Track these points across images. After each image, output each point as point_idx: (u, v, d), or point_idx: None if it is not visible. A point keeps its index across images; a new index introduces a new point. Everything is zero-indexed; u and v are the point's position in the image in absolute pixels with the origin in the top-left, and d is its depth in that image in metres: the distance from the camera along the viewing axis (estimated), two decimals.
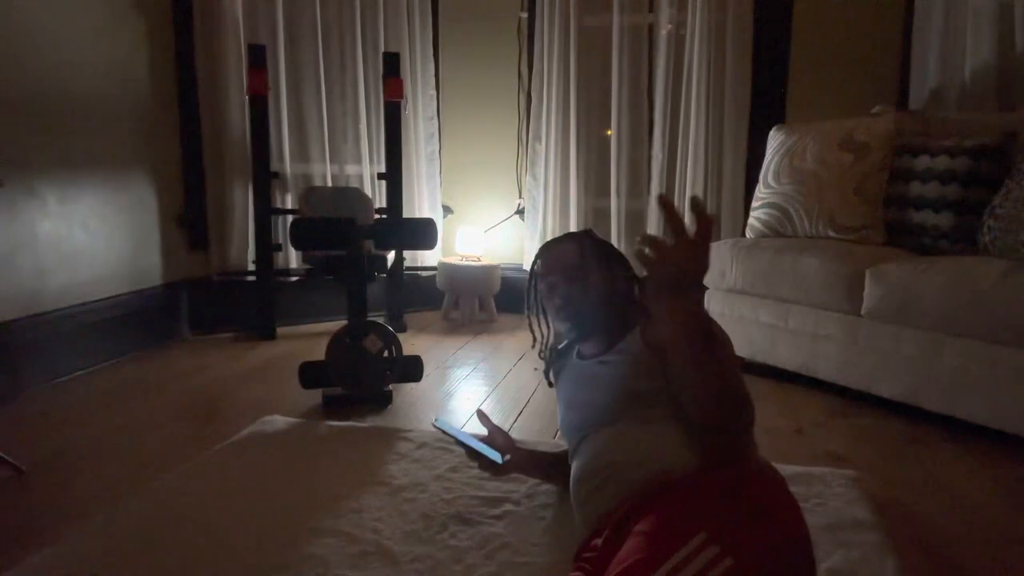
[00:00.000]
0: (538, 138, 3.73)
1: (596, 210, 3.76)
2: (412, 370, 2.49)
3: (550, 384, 1.64)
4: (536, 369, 2.71)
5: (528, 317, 1.57)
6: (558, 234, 3.61)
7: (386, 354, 2.38)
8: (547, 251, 1.52)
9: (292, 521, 1.56)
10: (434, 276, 3.87)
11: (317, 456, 1.93)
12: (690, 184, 3.47)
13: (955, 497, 1.75)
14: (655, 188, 3.56)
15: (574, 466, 1.38)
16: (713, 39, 3.39)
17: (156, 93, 3.22)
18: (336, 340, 2.34)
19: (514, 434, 2.14)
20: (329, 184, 3.59)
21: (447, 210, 3.97)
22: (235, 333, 3.41)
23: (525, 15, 3.78)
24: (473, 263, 3.75)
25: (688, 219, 1.11)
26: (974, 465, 1.94)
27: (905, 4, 3.23)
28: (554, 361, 1.62)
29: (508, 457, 1.59)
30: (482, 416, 1.66)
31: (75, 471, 1.87)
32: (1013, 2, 2.80)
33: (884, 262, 2.32)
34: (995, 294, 1.99)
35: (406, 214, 3.57)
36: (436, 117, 3.84)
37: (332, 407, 2.36)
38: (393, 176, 3.46)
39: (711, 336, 1.13)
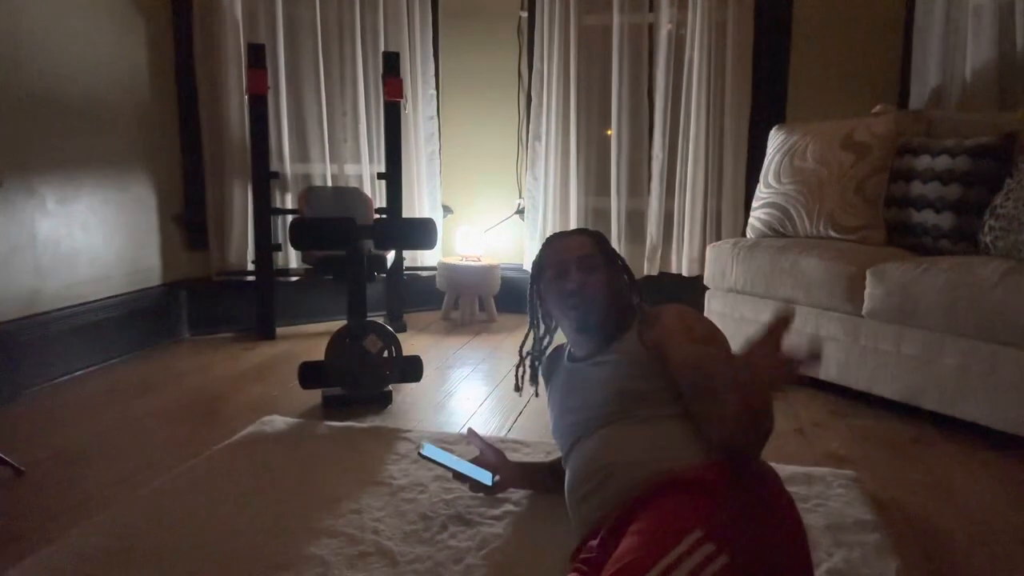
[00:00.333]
0: (538, 138, 3.73)
1: (596, 210, 3.76)
2: (412, 370, 2.49)
3: (535, 392, 1.63)
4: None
5: (531, 307, 1.56)
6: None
7: (386, 354, 2.37)
8: (559, 239, 1.51)
9: (292, 521, 1.56)
10: (434, 276, 3.87)
11: (317, 456, 1.93)
12: (690, 184, 3.47)
13: (955, 497, 1.75)
14: (655, 188, 3.56)
15: (568, 471, 1.38)
16: (713, 39, 3.39)
17: (156, 93, 3.22)
18: (336, 340, 2.33)
19: (515, 434, 2.16)
20: (329, 184, 3.59)
21: (447, 210, 3.97)
22: (235, 333, 3.41)
23: (525, 14, 3.77)
24: (473, 263, 3.75)
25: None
26: (974, 465, 1.94)
27: (905, 4, 3.23)
28: (543, 365, 1.62)
29: (498, 478, 1.59)
30: (471, 434, 1.65)
31: (75, 471, 1.87)
32: (1013, 2, 2.79)
33: (885, 262, 2.32)
34: (996, 294, 1.99)
35: (406, 214, 3.56)
36: (436, 117, 3.84)
37: (332, 407, 2.36)
38: (393, 176, 3.46)
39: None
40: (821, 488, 1.71)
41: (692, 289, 3.14)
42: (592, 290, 1.42)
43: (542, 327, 1.58)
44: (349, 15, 3.60)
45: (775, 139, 3.01)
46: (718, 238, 3.43)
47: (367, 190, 3.61)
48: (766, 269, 2.62)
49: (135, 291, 3.08)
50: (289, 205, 3.50)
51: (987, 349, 2.04)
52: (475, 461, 1.61)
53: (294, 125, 3.57)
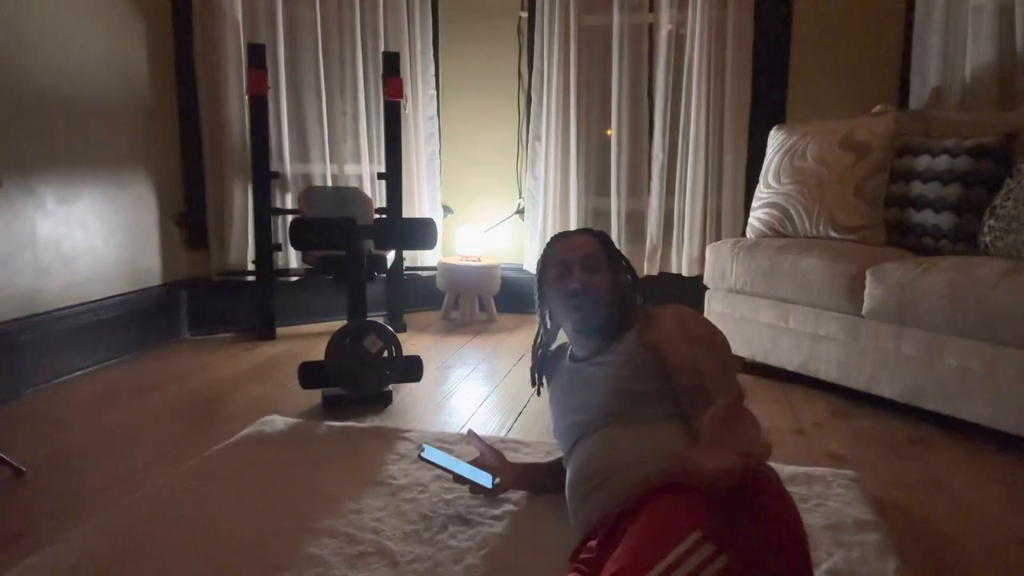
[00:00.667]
0: (538, 138, 3.73)
1: (596, 210, 3.76)
2: (412, 370, 2.49)
3: (538, 391, 1.63)
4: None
5: (537, 306, 1.57)
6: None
7: (386, 354, 2.37)
8: (564, 238, 1.52)
9: (292, 521, 1.56)
10: (434, 276, 3.87)
11: (317, 456, 1.93)
12: (690, 184, 3.47)
13: (955, 497, 1.74)
14: (655, 188, 3.56)
15: (569, 470, 1.38)
16: (713, 39, 3.39)
17: (156, 93, 3.22)
18: (336, 340, 2.33)
19: (515, 434, 2.16)
20: (329, 184, 3.59)
21: (447, 210, 3.97)
22: (235, 333, 3.41)
23: (525, 14, 3.77)
24: (473, 263, 3.75)
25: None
26: (974, 465, 1.94)
27: (905, 4, 3.23)
28: (546, 364, 1.61)
29: (498, 480, 1.59)
30: (472, 436, 1.65)
31: (75, 471, 1.87)
32: (1013, 2, 2.79)
33: (885, 262, 2.32)
34: (995, 294, 1.99)
35: (406, 214, 3.56)
36: (436, 117, 3.84)
37: (332, 407, 2.36)
38: (393, 176, 3.46)
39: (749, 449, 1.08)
40: (821, 488, 1.71)
41: (692, 289, 3.14)
42: (594, 291, 1.42)
43: (545, 326, 1.58)
44: (349, 15, 3.60)
45: (775, 139, 3.01)
46: (718, 238, 3.43)
47: (367, 190, 3.61)
48: (766, 269, 2.62)
49: (135, 291, 3.09)
50: (289, 205, 3.50)
51: (987, 349, 2.04)
52: (475, 462, 1.61)
53: (294, 125, 3.57)
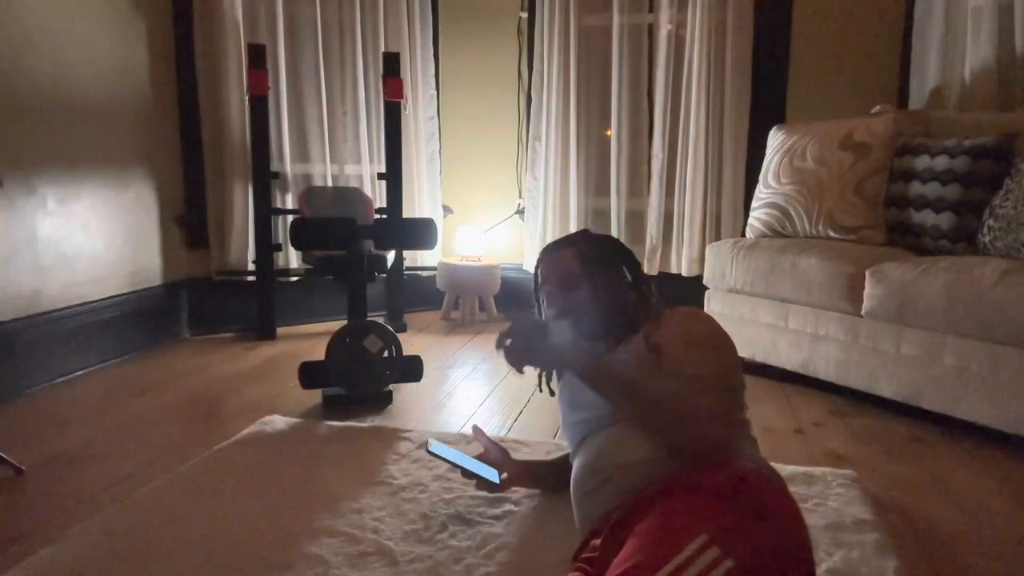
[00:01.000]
0: (538, 138, 3.73)
1: (596, 210, 3.76)
2: (412, 370, 2.49)
3: (551, 392, 1.63)
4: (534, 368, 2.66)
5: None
6: (558, 234, 3.65)
7: (386, 354, 2.38)
8: (543, 258, 1.52)
9: (292, 521, 1.56)
10: (434, 276, 3.87)
11: (317, 456, 1.93)
12: (690, 184, 3.47)
13: (955, 497, 1.75)
14: (655, 188, 3.56)
15: (575, 466, 1.38)
16: (713, 39, 3.39)
17: (156, 93, 3.22)
18: (336, 340, 2.33)
19: (515, 434, 2.16)
20: (329, 184, 3.59)
21: (447, 210, 3.97)
22: (235, 333, 3.41)
23: (525, 15, 3.77)
24: (473, 263, 3.75)
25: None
26: (974, 465, 1.94)
27: (905, 4, 3.23)
28: None
29: (505, 475, 1.59)
30: (477, 431, 1.66)
31: (75, 471, 1.87)
32: (1013, 2, 2.80)
33: (884, 262, 2.32)
34: (995, 294, 1.99)
35: (406, 214, 3.56)
36: (436, 117, 3.84)
37: (332, 407, 2.36)
38: (393, 176, 3.46)
39: (629, 382, 1.25)
40: (821, 488, 1.71)
41: (692, 289, 3.14)
42: (575, 310, 1.42)
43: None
44: (349, 15, 3.60)
45: (775, 139, 3.01)
46: (718, 238, 3.43)
47: (367, 190, 3.61)
48: (766, 269, 2.62)
49: (135, 291, 3.09)
50: (289, 205, 3.50)
51: (987, 349, 2.04)
52: (479, 458, 1.61)
53: (294, 125, 3.57)
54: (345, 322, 2.39)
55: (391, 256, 3.49)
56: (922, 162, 2.52)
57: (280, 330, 3.40)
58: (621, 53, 3.56)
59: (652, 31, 3.57)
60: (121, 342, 2.97)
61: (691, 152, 3.46)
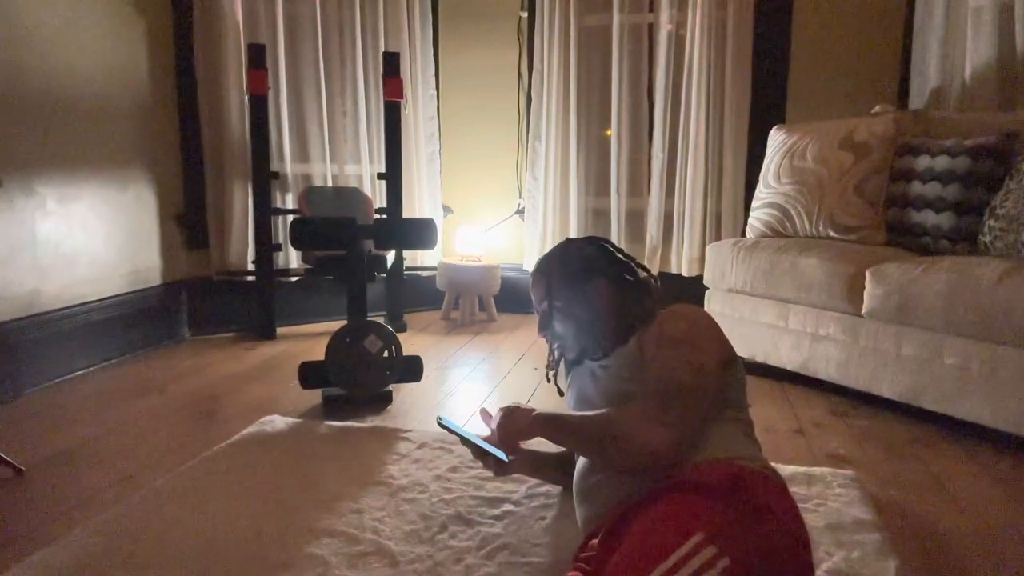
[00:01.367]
0: (538, 138, 3.73)
1: (596, 210, 3.76)
2: (412, 370, 2.49)
3: (560, 392, 1.64)
4: (536, 369, 2.73)
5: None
6: (558, 234, 3.65)
7: (386, 354, 2.38)
8: (532, 279, 1.56)
9: (292, 521, 1.56)
10: (434, 276, 3.87)
11: (317, 456, 1.93)
12: (690, 184, 3.47)
13: (955, 497, 1.75)
14: (655, 188, 3.56)
15: (578, 464, 1.39)
16: (713, 39, 3.39)
17: (156, 93, 3.22)
18: (336, 340, 2.33)
19: None
20: (329, 184, 3.59)
21: (447, 210, 3.97)
22: (235, 333, 3.41)
23: (525, 15, 3.78)
24: (473, 263, 3.75)
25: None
26: (974, 465, 1.94)
27: (905, 4, 3.23)
28: (569, 366, 1.62)
29: (513, 458, 1.59)
30: (485, 415, 1.65)
31: (75, 471, 1.87)
32: (1013, 2, 2.79)
33: (884, 262, 2.32)
34: (995, 294, 1.99)
35: (406, 214, 3.57)
36: (436, 117, 3.84)
37: (332, 407, 2.36)
38: (393, 176, 3.46)
39: (575, 427, 1.29)
40: (821, 488, 1.71)
41: (692, 289, 3.14)
42: (560, 339, 1.50)
43: (552, 348, 1.60)
44: (349, 15, 3.60)
45: (775, 139, 3.01)
46: (718, 238, 3.43)
47: (367, 190, 3.61)
48: (766, 269, 2.62)
49: (135, 291, 3.09)
50: (289, 205, 3.50)
51: (987, 349, 2.04)
52: (487, 442, 1.60)
53: (294, 125, 3.57)
54: (345, 322, 2.39)
55: (391, 256, 3.50)
56: (922, 162, 2.52)
57: (280, 330, 3.40)
58: (621, 53, 3.56)
59: (652, 31, 3.58)
60: (121, 342, 2.97)
61: (691, 152, 3.47)
